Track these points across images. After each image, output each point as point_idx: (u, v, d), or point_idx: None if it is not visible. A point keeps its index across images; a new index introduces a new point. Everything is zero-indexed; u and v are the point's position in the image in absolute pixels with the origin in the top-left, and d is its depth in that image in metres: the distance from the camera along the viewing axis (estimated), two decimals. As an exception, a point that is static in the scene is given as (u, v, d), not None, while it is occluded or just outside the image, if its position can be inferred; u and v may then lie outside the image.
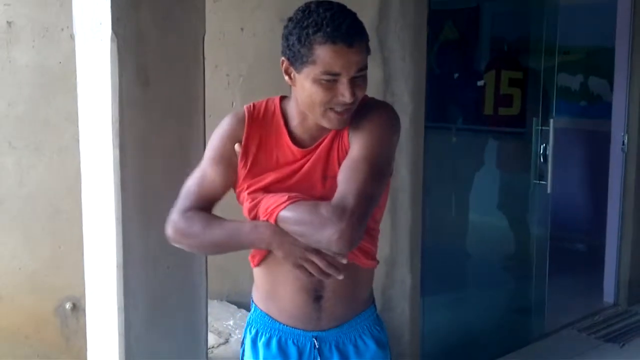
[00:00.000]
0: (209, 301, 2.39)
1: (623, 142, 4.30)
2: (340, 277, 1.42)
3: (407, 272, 2.95)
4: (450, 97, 3.90)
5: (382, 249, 2.81)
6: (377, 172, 1.41)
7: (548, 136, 3.69)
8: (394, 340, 2.91)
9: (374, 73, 2.79)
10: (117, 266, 2.06)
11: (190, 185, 1.53)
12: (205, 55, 2.22)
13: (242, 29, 3.29)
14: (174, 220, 1.49)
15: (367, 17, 2.70)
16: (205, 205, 1.51)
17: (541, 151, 3.71)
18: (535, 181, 3.80)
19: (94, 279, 2.20)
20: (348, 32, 1.36)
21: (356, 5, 2.74)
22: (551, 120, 3.68)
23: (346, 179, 1.39)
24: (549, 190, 3.73)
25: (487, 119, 3.94)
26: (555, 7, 3.82)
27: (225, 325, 3.03)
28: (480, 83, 3.92)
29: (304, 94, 1.41)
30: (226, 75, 3.29)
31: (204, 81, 2.22)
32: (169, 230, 1.50)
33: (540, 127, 3.75)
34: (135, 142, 2.05)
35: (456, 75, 4.03)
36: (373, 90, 2.71)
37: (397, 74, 2.88)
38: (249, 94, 3.06)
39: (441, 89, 3.76)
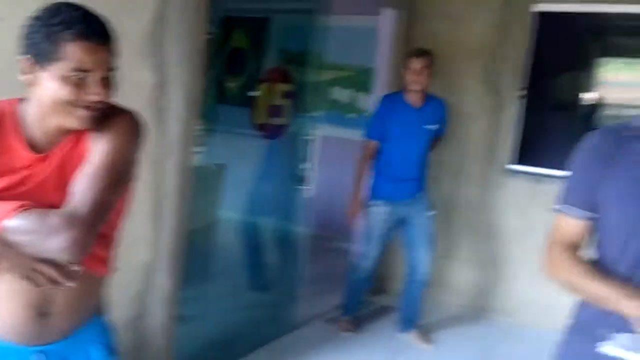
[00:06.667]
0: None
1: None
2: (74, 285, 1.38)
3: (167, 276, 2.93)
4: (229, 103, 4.01)
5: (142, 255, 2.77)
6: (115, 180, 1.40)
7: (313, 145, 3.99)
8: (147, 346, 2.90)
9: (147, 78, 2.74)
10: None
11: None
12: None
13: None
14: None
15: (143, 21, 2.66)
16: None
17: (306, 159, 4.00)
18: (298, 186, 4.07)
19: None
20: (100, 30, 1.37)
21: (132, 10, 2.70)
22: (316, 132, 3.97)
23: (81, 185, 1.36)
24: (311, 194, 4.02)
25: (259, 127, 4.10)
26: (325, 28, 4.08)
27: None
28: (254, 94, 4.07)
29: (49, 93, 1.37)
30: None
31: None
32: None
33: (307, 137, 4.03)
34: None
35: (241, 82, 4.16)
36: (147, 95, 2.70)
37: (172, 79, 2.84)
38: None
39: (221, 94, 3.86)
